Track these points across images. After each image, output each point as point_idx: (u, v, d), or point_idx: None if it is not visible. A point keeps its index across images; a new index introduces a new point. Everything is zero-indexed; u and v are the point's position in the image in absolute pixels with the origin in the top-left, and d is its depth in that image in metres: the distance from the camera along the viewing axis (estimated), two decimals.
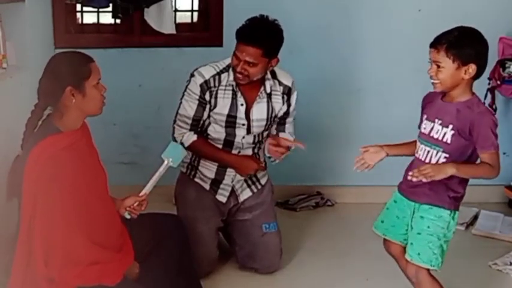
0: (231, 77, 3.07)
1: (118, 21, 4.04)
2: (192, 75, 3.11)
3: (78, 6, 4.03)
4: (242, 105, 3.11)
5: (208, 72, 3.08)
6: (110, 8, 3.90)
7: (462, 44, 2.46)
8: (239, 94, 3.10)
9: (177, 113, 3.16)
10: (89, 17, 4.13)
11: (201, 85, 3.06)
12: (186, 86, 3.13)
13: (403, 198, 2.68)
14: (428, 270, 2.61)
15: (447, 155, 2.52)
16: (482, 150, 2.46)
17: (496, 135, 2.47)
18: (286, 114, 3.25)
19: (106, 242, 2.43)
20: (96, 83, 2.41)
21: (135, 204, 2.64)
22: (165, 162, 2.68)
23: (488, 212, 4.04)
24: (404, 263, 2.69)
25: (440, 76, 2.49)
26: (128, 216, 2.65)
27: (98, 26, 4.12)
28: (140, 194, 2.66)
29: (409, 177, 2.48)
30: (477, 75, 2.51)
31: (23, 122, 2.45)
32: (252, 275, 3.29)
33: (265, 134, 3.24)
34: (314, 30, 4.04)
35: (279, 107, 3.20)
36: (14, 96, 3.13)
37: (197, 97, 3.08)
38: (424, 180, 2.44)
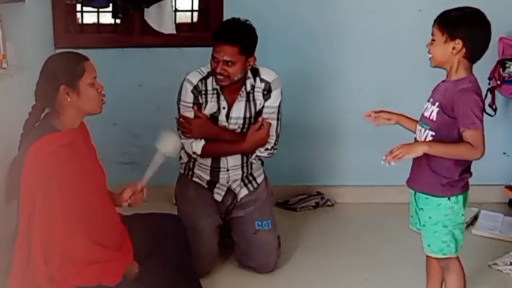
0: (215, 82, 3.11)
1: (118, 21, 4.03)
2: (182, 83, 3.16)
3: (78, 6, 4.02)
4: (224, 108, 3.16)
5: (195, 77, 3.15)
6: (110, 8, 3.90)
7: (456, 20, 2.47)
8: (222, 97, 3.15)
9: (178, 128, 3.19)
10: (89, 17, 4.13)
11: (192, 91, 3.13)
12: (179, 98, 3.17)
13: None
14: (457, 257, 2.60)
15: (433, 133, 2.51)
16: (462, 128, 2.42)
17: (478, 114, 2.41)
18: (262, 109, 3.21)
19: (105, 240, 2.43)
20: (91, 82, 2.40)
21: (138, 191, 2.64)
22: (160, 151, 2.66)
23: (488, 212, 4.03)
24: None
25: (431, 49, 2.52)
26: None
27: (98, 26, 4.12)
28: (138, 187, 2.65)
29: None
30: (470, 57, 2.48)
31: (23, 122, 2.45)
32: (251, 274, 3.29)
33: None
34: (314, 30, 4.04)
35: (260, 104, 3.20)
36: (14, 96, 3.13)
37: (191, 105, 3.13)
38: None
